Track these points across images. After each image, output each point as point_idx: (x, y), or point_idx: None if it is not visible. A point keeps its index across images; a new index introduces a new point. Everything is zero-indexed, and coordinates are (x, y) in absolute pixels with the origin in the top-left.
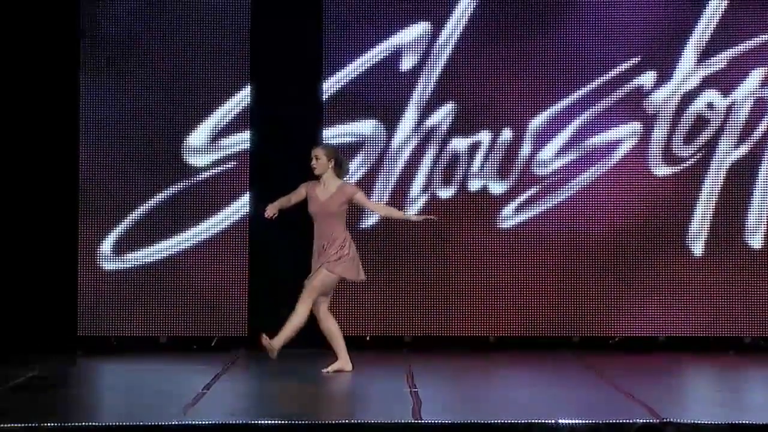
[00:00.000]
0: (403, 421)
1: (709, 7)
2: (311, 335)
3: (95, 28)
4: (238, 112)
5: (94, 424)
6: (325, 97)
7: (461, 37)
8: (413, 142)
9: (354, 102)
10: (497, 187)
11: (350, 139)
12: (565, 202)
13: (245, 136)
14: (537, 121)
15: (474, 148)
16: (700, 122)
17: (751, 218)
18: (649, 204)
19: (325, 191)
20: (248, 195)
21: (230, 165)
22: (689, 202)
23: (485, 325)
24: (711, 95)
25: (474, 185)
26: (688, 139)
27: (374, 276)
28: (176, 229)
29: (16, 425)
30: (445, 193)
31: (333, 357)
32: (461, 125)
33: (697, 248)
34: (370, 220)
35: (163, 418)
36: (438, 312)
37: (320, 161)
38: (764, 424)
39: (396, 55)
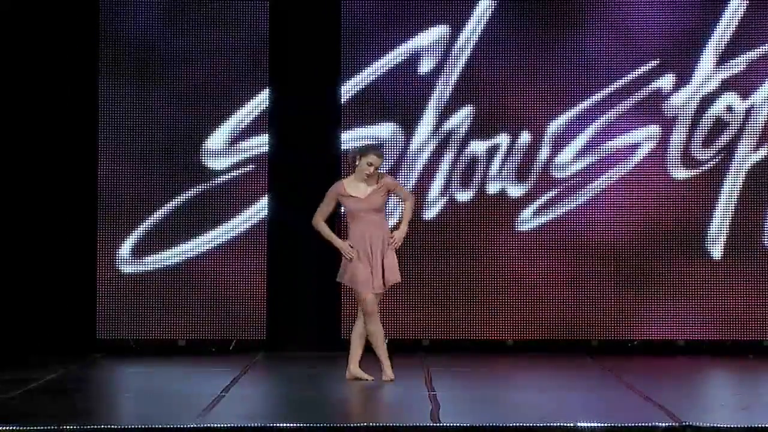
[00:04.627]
0: (421, 425)
1: (728, 10)
2: (329, 338)
3: (115, 32)
4: (257, 115)
5: (113, 426)
6: (343, 100)
7: (480, 39)
8: (432, 145)
9: (372, 105)
10: (516, 190)
11: (369, 141)
12: (583, 205)
13: (264, 139)
14: (556, 124)
15: (492, 151)
16: (719, 125)
17: None
18: (668, 207)
19: (364, 188)
20: (267, 198)
21: (249, 168)
22: (708, 205)
23: (503, 329)
24: (730, 98)
25: (492, 188)
26: (707, 142)
27: None
28: (195, 232)
29: (35, 427)
30: (464, 196)
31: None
32: (480, 128)
33: (717, 251)
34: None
35: (181, 421)
36: (456, 315)
37: (376, 169)
38: None
39: (414, 58)
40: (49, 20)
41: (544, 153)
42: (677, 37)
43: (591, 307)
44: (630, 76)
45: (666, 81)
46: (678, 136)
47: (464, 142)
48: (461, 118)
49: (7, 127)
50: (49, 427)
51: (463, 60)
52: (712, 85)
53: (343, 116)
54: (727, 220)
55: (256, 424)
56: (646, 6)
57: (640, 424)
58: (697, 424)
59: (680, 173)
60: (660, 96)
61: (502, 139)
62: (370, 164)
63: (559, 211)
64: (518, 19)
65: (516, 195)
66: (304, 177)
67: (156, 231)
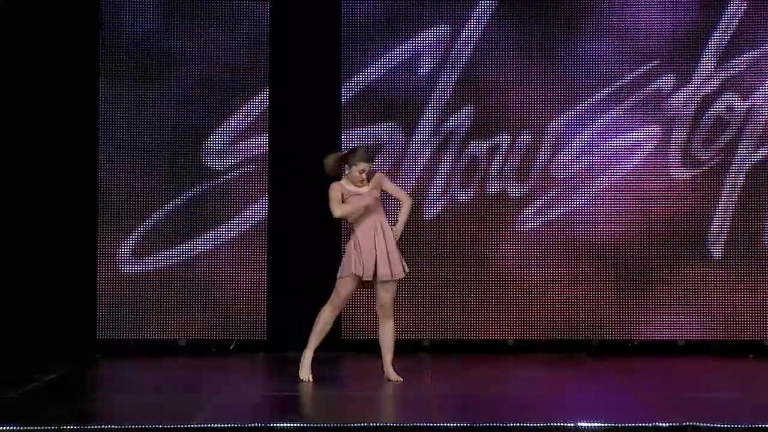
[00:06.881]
0: (421, 425)
1: (729, 10)
2: (329, 338)
3: (115, 32)
4: (257, 115)
5: (112, 426)
6: (343, 100)
7: (480, 40)
8: (432, 145)
9: (373, 105)
10: (516, 190)
11: (369, 142)
12: (584, 205)
13: (264, 139)
14: (556, 124)
15: (493, 150)
16: (720, 125)
17: None
18: (669, 207)
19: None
20: (267, 198)
21: (249, 168)
22: (709, 205)
23: (504, 329)
24: (730, 98)
25: (493, 188)
26: (708, 142)
27: None
28: (195, 233)
29: (35, 427)
30: (464, 196)
31: (352, 361)
32: (480, 128)
33: (717, 251)
34: None
35: (181, 421)
36: (456, 315)
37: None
38: None
39: (415, 58)
40: (49, 20)
41: (544, 153)
42: (677, 38)
43: (591, 307)
44: (630, 77)
45: (666, 81)
46: (678, 137)
47: (464, 142)
48: (461, 118)
49: (7, 127)
50: (49, 427)
51: (464, 60)
52: (713, 85)
53: (343, 116)
54: (728, 220)
55: (256, 424)
56: (646, 6)
57: (640, 424)
58: (697, 424)
59: (681, 173)
60: (660, 96)
61: (503, 139)
62: (362, 171)
63: (560, 211)
64: (518, 20)
65: (516, 195)
66: (304, 177)
67: (156, 231)
